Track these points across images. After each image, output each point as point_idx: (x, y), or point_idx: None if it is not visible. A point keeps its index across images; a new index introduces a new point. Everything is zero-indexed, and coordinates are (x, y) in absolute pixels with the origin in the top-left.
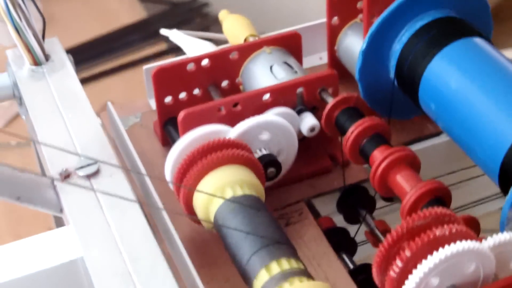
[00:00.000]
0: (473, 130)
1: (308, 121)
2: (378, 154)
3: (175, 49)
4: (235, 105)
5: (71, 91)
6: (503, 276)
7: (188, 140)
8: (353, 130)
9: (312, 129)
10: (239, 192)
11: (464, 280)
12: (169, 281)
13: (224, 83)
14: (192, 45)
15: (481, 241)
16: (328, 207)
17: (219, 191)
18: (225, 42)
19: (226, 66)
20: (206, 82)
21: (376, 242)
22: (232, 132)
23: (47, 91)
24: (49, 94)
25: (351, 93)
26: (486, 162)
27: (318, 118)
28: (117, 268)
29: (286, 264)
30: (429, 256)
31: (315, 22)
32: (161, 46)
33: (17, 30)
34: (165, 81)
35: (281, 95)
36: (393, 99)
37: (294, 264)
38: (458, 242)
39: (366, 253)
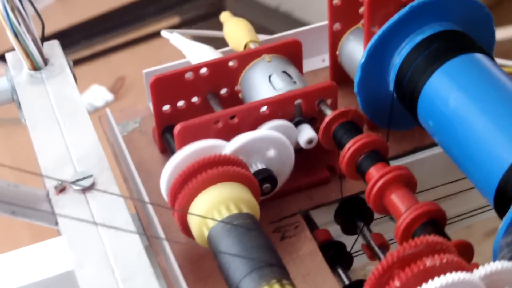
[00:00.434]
0: (470, 151)
1: (306, 133)
2: (374, 172)
3: (188, 22)
4: (232, 117)
5: (69, 98)
6: None
7: (182, 156)
8: (350, 146)
9: (309, 142)
10: (233, 210)
11: None
12: None
13: (223, 91)
14: (192, 48)
15: (473, 268)
16: (325, 217)
17: (213, 209)
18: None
19: (225, 74)
20: (205, 90)
21: (372, 255)
22: (227, 147)
23: (45, 97)
24: (47, 101)
25: (349, 106)
26: (481, 184)
27: (317, 128)
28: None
29: (277, 286)
30: None
31: (319, 24)
32: (174, 20)
33: (16, 35)
34: (163, 90)
35: (279, 107)
36: (392, 111)
37: (285, 286)
38: (448, 274)
39: (363, 261)
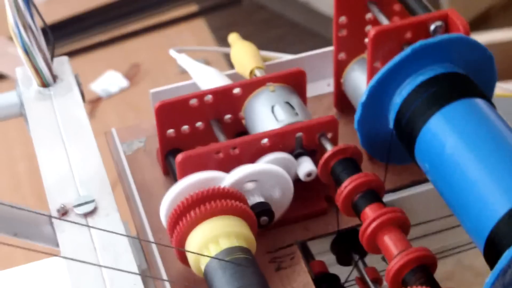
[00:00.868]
0: (463, 199)
1: (305, 166)
2: (369, 212)
3: (206, 11)
4: (234, 148)
5: (76, 118)
6: None
7: (182, 187)
8: (347, 185)
9: (309, 175)
10: (228, 244)
11: None
12: None
13: (227, 117)
14: (199, 71)
15: None
16: (322, 246)
17: (209, 243)
18: None
19: (229, 101)
20: (209, 116)
21: None
22: (227, 179)
23: (51, 116)
24: (54, 120)
25: (348, 144)
26: (472, 233)
27: (317, 160)
28: None
29: None
30: None
31: (325, 49)
32: (192, 8)
33: (26, 52)
34: (168, 115)
35: (280, 140)
36: (391, 147)
37: None
38: None
39: None
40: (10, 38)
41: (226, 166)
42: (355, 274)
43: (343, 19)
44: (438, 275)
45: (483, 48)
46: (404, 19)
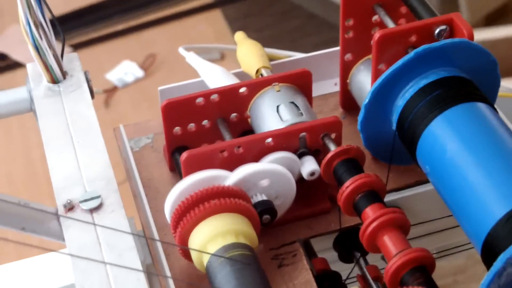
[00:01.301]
0: (462, 202)
1: (309, 165)
2: (370, 213)
3: (222, 2)
4: (238, 147)
5: (84, 115)
6: None
7: (186, 184)
8: (348, 185)
9: (312, 174)
10: (230, 241)
11: None
12: None
13: (233, 116)
14: (206, 69)
15: None
16: (324, 243)
17: (211, 240)
18: None
19: (235, 100)
20: (215, 115)
21: (366, 287)
22: (230, 178)
23: (60, 113)
24: (62, 117)
25: (350, 144)
26: (471, 235)
27: (320, 160)
28: None
29: None
30: None
31: (333, 49)
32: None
33: (37, 49)
34: (174, 114)
35: (284, 140)
36: (394, 148)
37: None
38: None
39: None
40: None
41: (230, 164)
42: (356, 271)
43: (350, 21)
44: (450, 268)
45: (487, 52)
46: (409, 23)
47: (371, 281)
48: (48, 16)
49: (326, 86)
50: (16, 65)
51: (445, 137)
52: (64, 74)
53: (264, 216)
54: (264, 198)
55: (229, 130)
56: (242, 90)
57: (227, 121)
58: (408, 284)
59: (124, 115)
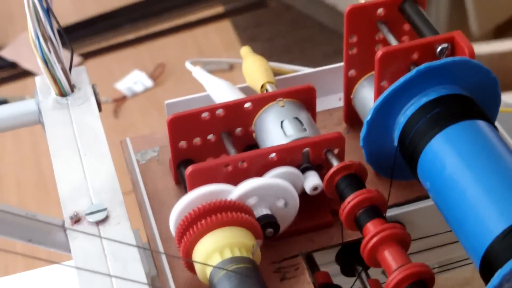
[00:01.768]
0: (461, 218)
1: (312, 180)
2: (371, 227)
3: (232, 12)
4: (242, 162)
5: (91, 128)
6: None
7: (191, 198)
8: (350, 200)
9: (315, 189)
10: (233, 254)
11: None
12: None
13: (238, 130)
14: (212, 84)
15: None
16: (327, 257)
17: (215, 252)
18: None
19: (240, 115)
20: (220, 129)
21: None
22: (234, 192)
23: (68, 125)
24: (70, 130)
25: (352, 160)
26: (469, 251)
27: (323, 175)
28: None
29: None
30: None
31: (337, 65)
32: (218, 9)
33: (46, 62)
34: (180, 128)
35: (287, 155)
36: (396, 164)
37: None
38: None
39: None
40: None
41: (235, 178)
42: (358, 285)
43: (353, 37)
44: (457, 280)
45: (487, 70)
46: (411, 41)
47: None
48: (56, 27)
49: (331, 101)
50: (26, 74)
51: (445, 154)
52: (72, 87)
53: (267, 229)
54: (267, 212)
55: (233, 144)
56: (247, 105)
57: (232, 135)
58: None
59: (133, 124)
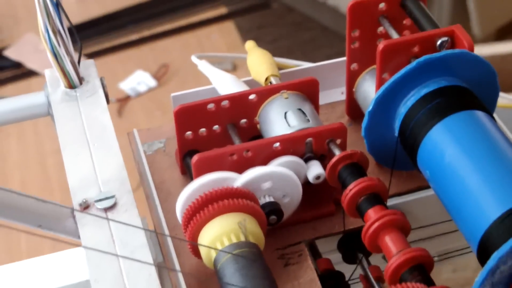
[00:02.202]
0: (459, 204)
1: (314, 169)
2: (372, 214)
3: (235, 13)
4: (247, 151)
5: (99, 119)
6: None
7: (197, 185)
8: (352, 187)
9: (317, 177)
10: (238, 239)
11: None
12: None
13: (243, 121)
14: (218, 77)
15: None
16: (329, 245)
17: (221, 237)
18: None
19: (244, 107)
20: (226, 120)
21: (368, 286)
22: (239, 180)
23: (77, 117)
24: (79, 121)
25: (354, 150)
26: (467, 236)
27: (326, 165)
28: None
29: None
30: None
31: (340, 59)
32: (221, 10)
33: (55, 55)
34: (186, 118)
35: (291, 145)
36: (397, 154)
37: None
38: None
39: None
40: None
41: (239, 167)
42: (359, 272)
43: (355, 32)
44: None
45: (487, 63)
46: (412, 34)
47: (373, 280)
48: (66, 24)
49: (333, 94)
50: (30, 74)
51: (444, 143)
52: (81, 80)
53: (271, 216)
54: (271, 199)
55: (238, 135)
56: (252, 97)
57: (237, 127)
58: (407, 282)
59: (136, 124)
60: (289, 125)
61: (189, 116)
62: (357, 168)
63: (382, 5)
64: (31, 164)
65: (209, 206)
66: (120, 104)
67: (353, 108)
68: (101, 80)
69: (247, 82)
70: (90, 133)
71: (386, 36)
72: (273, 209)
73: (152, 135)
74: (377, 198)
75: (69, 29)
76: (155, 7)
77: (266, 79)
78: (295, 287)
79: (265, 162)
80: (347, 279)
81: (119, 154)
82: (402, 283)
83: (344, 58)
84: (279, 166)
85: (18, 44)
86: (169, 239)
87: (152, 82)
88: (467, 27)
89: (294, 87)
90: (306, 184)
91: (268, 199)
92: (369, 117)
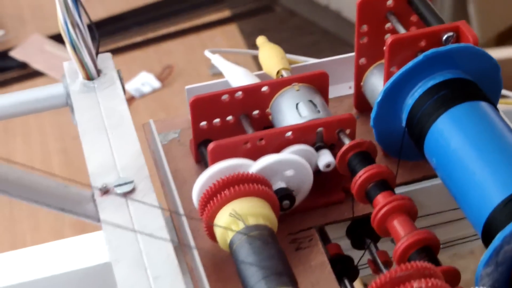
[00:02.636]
0: (464, 190)
1: (325, 158)
2: (380, 199)
3: (239, 16)
4: (260, 140)
5: (117, 109)
6: None
7: (213, 171)
8: (361, 174)
9: (327, 166)
10: (253, 222)
11: None
12: None
13: (255, 113)
14: (231, 70)
15: None
16: (338, 231)
17: (236, 220)
18: None
19: (257, 98)
20: (239, 111)
21: (376, 270)
22: (254, 166)
23: (95, 107)
24: (97, 111)
25: (363, 139)
26: (472, 220)
27: (335, 154)
28: (140, 283)
29: None
30: None
31: (348, 55)
32: (225, 13)
33: (74, 47)
34: (201, 109)
35: (303, 134)
36: (404, 144)
37: None
38: None
39: (369, 272)
40: (47, 37)
41: (253, 155)
42: (367, 257)
43: (364, 27)
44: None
45: (490, 57)
46: (419, 29)
47: (380, 264)
48: (85, 19)
49: (342, 89)
50: (36, 74)
51: (450, 132)
52: (98, 72)
53: (284, 201)
54: (284, 185)
55: (251, 125)
56: (264, 88)
57: (249, 117)
58: None
59: (141, 125)
60: (300, 115)
61: (204, 107)
62: (366, 156)
63: (389, 2)
64: (36, 163)
65: (225, 190)
66: None
67: (361, 101)
68: (118, 72)
69: (259, 76)
70: (108, 122)
71: (394, 31)
72: (285, 194)
73: (167, 126)
74: (385, 184)
75: (89, 26)
76: (160, 9)
77: (278, 72)
78: (307, 270)
79: (277, 150)
80: (355, 264)
81: (136, 142)
82: (412, 262)
83: (351, 54)
84: (291, 154)
85: (24, 45)
86: (185, 224)
87: (156, 83)
88: None
89: (305, 80)
90: (316, 172)
91: (281, 185)
92: (378, 107)
